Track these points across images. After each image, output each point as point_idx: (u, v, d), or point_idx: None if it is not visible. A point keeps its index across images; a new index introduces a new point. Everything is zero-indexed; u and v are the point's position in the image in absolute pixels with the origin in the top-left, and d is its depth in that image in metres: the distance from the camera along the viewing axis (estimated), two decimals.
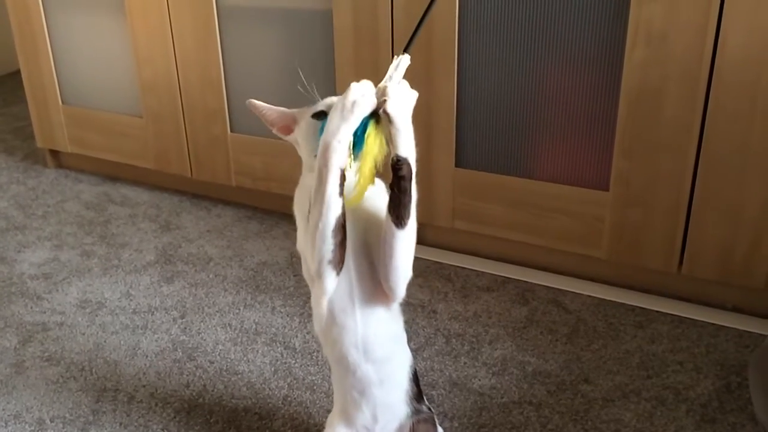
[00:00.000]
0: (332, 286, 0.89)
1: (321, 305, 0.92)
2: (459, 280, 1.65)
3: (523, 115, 1.55)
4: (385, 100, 0.82)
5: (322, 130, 0.86)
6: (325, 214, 0.83)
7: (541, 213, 1.59)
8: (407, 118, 0.84)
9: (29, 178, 2.31)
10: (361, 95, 0.83)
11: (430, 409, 1.06)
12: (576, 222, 1.56)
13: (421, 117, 0.87)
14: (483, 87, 1.57)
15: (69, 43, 2.14)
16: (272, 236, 1.89)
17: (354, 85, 0.83)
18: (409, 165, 0.85)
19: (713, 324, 1.47)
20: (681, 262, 1.49)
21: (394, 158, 0.84)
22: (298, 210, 0.95)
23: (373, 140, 0.84)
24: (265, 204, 2.03)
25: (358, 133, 0.84)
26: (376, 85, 0.85)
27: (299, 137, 0.97)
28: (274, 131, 1.01)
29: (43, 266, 1.78)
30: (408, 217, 0.86)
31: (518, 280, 1.64)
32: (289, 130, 0.99)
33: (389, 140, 0.85)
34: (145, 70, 2.00)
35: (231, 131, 1.93)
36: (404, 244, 0.87)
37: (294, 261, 1.75)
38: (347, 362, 0.95)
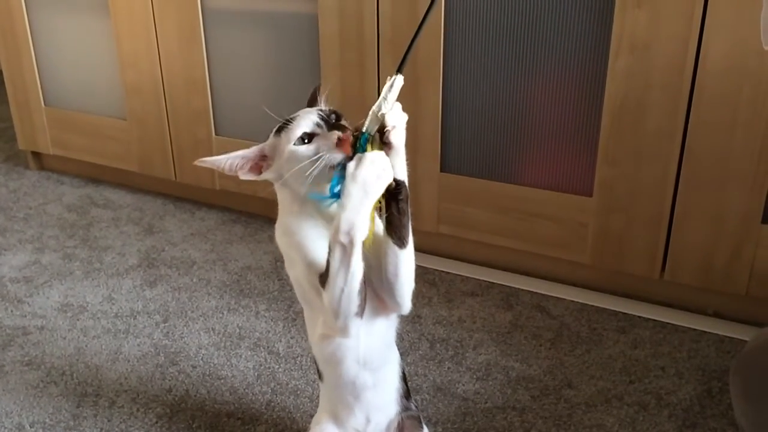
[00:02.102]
0: (356, 330, 0.88)
1: (331, 338, 0.92)
2: (443, 284, 1.65)
3: (508, 121, 1.56)
4: (387, 130, 0.83)
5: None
6: (350, 282, 0.83)
7: (526, 218, 1.60)
8: (403, 143, 0.85)
9: (11, 180, 2.28)
10: (382, 170, 0.80)
11: (417, 407, 1.06)
12: (560, 227, 1.57)
13: (407, 121, 0.87)
14: (468, 92, 1.58)
15: (52, 44, 2.12)
16: (256, 240, 1.88)
17: (369, 157, 0.80)
18: (406, 187, 0.87)
19: (695, 329, 1.48)
20: (663, 268, 1.50)
21: (392, 183, 0.85)
22: (292, 248, 0.91)
23: None
24: (249, 208, 2.02)
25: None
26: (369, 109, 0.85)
27: (283, 170, 0.89)
28: (242, 176, 0.91)
29: (24, 269, 1.76)
30: (408, 236, 0.88)
31: (502, 285, 1.65)
32: (259, 168, 0.91)
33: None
34: (129, 72, 1.99)
35: (215, 134, 1.92)
36: (408, 261, 0.89)
37: (278, 265, 1.75)
38: (346, 373, 0.95)
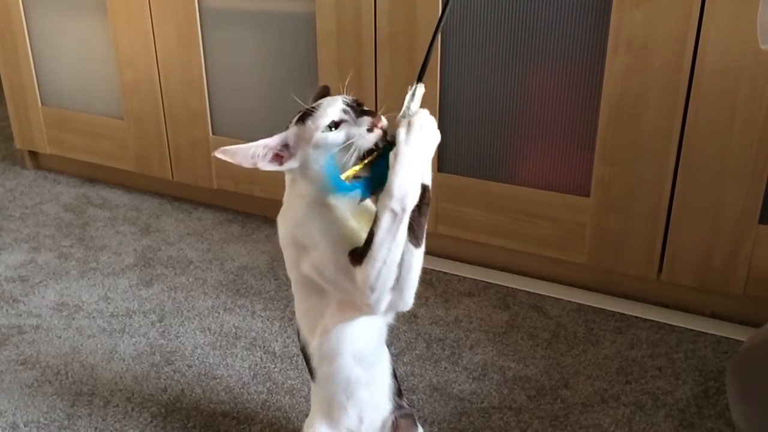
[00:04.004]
0: (386, 305, 0.88)
1: (332, 332, 0.92)
2: (440, 284, 1.65)
3: (505, 121, 1.56)
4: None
5: (331, 164, 0.83)
6: (394, 252, 0.82)
7: (523, 218, 1.60)
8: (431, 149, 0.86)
9: (7, 180, 2.28)
10: (432, 134, 0.81)
11: (409, 405, 1.06)
12: (557, 227, 1.57)
13: None
14: (465, 92, 1.57)
15: (49, 43, 2.12)
16: (253, 240, 1.88)
17: (419, 121, 0.81)
18: (429, 191, 0.87)
19: (692, 330, 1.48)
20: (660, 269, 1.50)
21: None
22: (310, 235, 0.89)
23: None
24: (246, 207, 2.02)
25: (383, 167, 0.83)
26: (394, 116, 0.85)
27: (309, 158, 0.86)
28: (263, 167, 0.87)
29: (19, 269, 1.75)
30: (423, 236, 0.89)
31: (499, 285, 1.65)
32: (279, 158, 0.88)
33: None
34: (126, 71, 1.98)
35: (213, 133, 1.92)
36: (420, 259, 0.89)
37: (275, 265, 1.74)
38: (340, 370, 0.95)
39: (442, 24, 0.87)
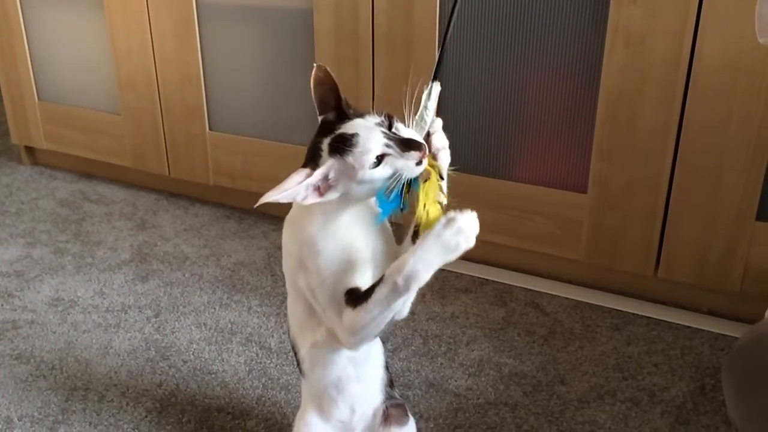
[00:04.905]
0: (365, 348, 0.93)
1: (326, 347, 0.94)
2: (437, 281, 1.64)
3: (502, 117, 1.56)
4: (438, 150, 0.86)
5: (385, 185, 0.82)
6: (385, 316, 0.83)
7: (520, 215, 1.59)
8: (448, 163, 0.87)
9: (3, 175, 2.27)
10: (467, 237, 0.77)
11: (402, 397, 1.07)
12: (554, 224, 1.56)
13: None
14: (462, 88, 1.57)
15: (46, 38, 2.11)
16: (250, 236, 1.87)
17: (462, 222, 0.77)
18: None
19: (689, 327, 1.48)
20: (657, 265, 1.49)
21: None
22: (313, 258, 0.87)
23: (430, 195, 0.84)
24: (243, 203, 2.01)
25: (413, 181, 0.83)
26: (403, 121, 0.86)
27: (352, 191, 0.83)
28: (308, 202, 0.82)
29: (15, 263, 1.75)
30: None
31: (496, 281, 1.64)
32: (319, 189, 0.83)
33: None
34: (123, 66, 1.98)
35: (209, 129, 1.91)
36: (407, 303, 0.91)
37: (271, 261, 1.74)
38: (332, 371, 0.95)
39: (453, 20, 0.86)
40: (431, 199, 0.83)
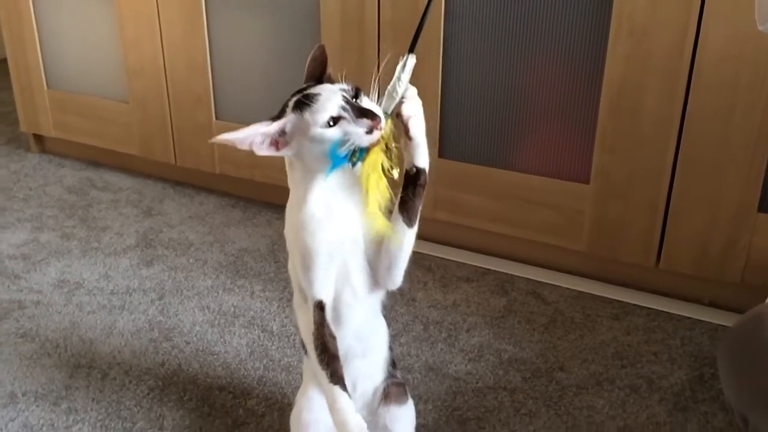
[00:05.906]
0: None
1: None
2: (439, 270, 1.65)
3: (506, 107, 1.57)
4: (406, 123, 0.87)
5: (334, 147, 0.84)
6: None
7: (523, 205, 1.60)
8: (423, 131, 0.88)
9: (12, 162, 2.29)
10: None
11: (402, 376, 1.08)
12: (556, 215, 1.57)
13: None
14: (467, 78, 1.58)
15: (55, 26, 2.13)
16: (254, 224, 1.89)
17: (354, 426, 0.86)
18: (425, 174, 0.90)
19: (689, 318, 1.48)
20: (659, 257, 1.50)
21: (413, 169, 0.89)
22: (298, 246, 0.91)
23: (373, 181, 0.86)
24: (248, 192, 2.03)
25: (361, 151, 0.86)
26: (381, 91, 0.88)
27: (303, 149, 0.86)
28: (259, 152, 0.86)
29: (22, 247, 1.77)
30: (416, 217, 0.92)
31: (498, 271, 1.65)
32: (276, 144, 0.87)
33: (405, 154, 0.89)
34: (131, 55, 2.00)
35: (216, 118, 1.93)
36: (411, 240, 0.92)
37: (275, 248, 1.75)
38: (338, 345, 0.96)
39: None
40: (373, 167, 0.85)
